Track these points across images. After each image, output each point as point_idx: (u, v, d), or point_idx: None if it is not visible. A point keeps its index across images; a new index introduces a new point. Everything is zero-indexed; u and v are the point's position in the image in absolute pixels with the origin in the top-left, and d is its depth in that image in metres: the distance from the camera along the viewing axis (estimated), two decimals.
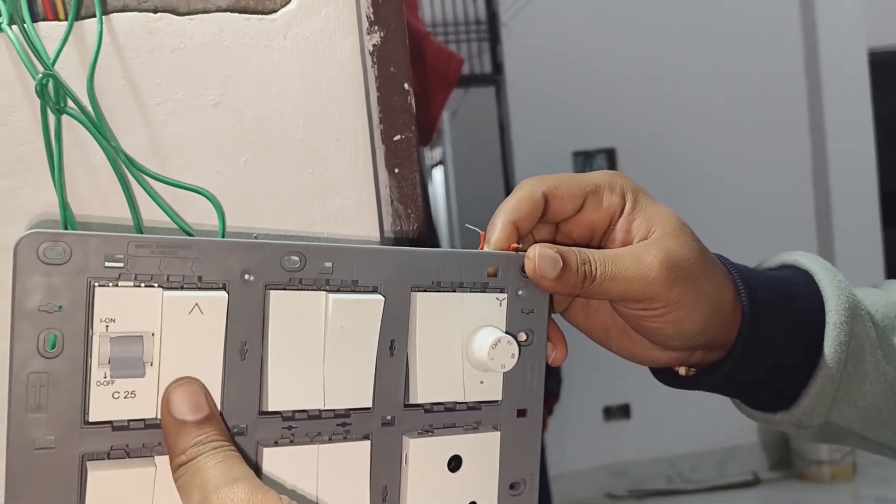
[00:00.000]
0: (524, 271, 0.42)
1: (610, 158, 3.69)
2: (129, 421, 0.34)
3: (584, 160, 3.68)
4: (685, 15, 3.63)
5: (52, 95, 0.40)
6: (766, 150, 3.69)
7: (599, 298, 0.44)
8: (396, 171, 0.48)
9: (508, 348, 0.40)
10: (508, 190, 3.51)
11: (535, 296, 0.43)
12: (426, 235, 0.49)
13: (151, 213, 0.43)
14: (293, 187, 0.46)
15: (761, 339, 0.45)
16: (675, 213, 0.45)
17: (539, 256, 0.41)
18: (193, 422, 0.34)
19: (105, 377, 0.33)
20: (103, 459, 0.34)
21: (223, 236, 0.44)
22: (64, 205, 0.41)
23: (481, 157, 3.75)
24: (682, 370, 0.49)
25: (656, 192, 0.46)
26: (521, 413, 0.43)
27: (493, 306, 0.42)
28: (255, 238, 0.45)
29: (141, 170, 0.43)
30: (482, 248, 0.43)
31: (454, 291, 0.41)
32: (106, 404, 0.34)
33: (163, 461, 0.34)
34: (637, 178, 0.46)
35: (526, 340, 0.43)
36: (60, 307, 0.33)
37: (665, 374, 0.50)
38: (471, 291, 0.41)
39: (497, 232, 0.43)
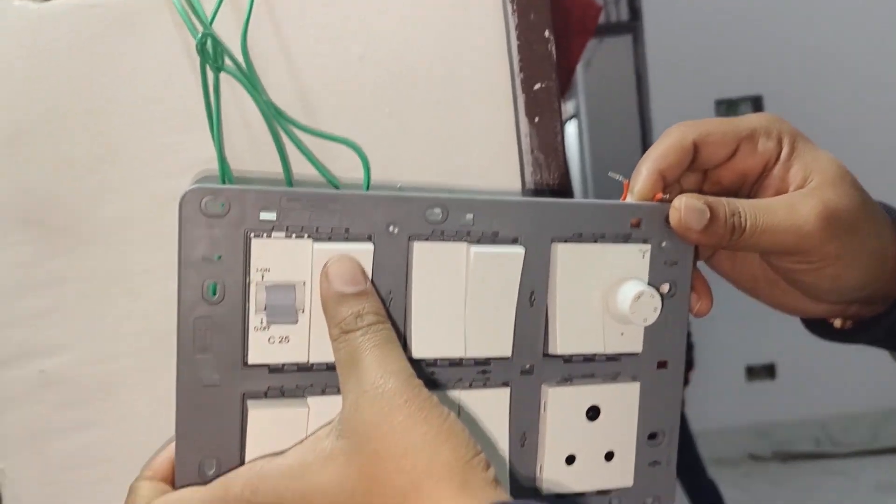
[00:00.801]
0: (669, 222, 0.41)
1: (756, 106, 3.49)
2: (284, 364, 0.36)
3: (728, 109, 3.51)
4: None
5: (211, 53, 0.42)
6: None
7: (749, 251, 0.43)
8: (537, 119, 0.48)
9: (651, 302, 0.40)
10: (646, 143, 3.40)
11: (680, 247, 0.42)
12: (566, 185, 0.48)
13: (301, 167, 0.45)
14: (435, 138, 0.47)
15: None
16: (838, 159, 0.42)
17: (685, 207, 0.40)
18: (352, 294, 0.35)
19: (261, 323, 0.36)
20: (261, 398, 0.36)
21: (367, 188, 0.45)
22: (222, 159, 0.44)
23: (617, 109, 3.64)
24: (837, 322, 0.47)
25: None
26: (662, 364, 0.43)
27: (635, 258, 0.41)
28: (399, 189, 0.46)
29: (292, 122, 0.45)
30: (625, 198, 0.42)
31: (595, 242, 0.40)
32: (263, 348, 0.36)
33: (314, 402, 0.36)
34: None
35: (669, 292, 0.42)
36: (221, 257, 0.35)
37: (818, 326, 0.48)
38: (613, 242, 0.41)
39: (641, 181, 0.41)
